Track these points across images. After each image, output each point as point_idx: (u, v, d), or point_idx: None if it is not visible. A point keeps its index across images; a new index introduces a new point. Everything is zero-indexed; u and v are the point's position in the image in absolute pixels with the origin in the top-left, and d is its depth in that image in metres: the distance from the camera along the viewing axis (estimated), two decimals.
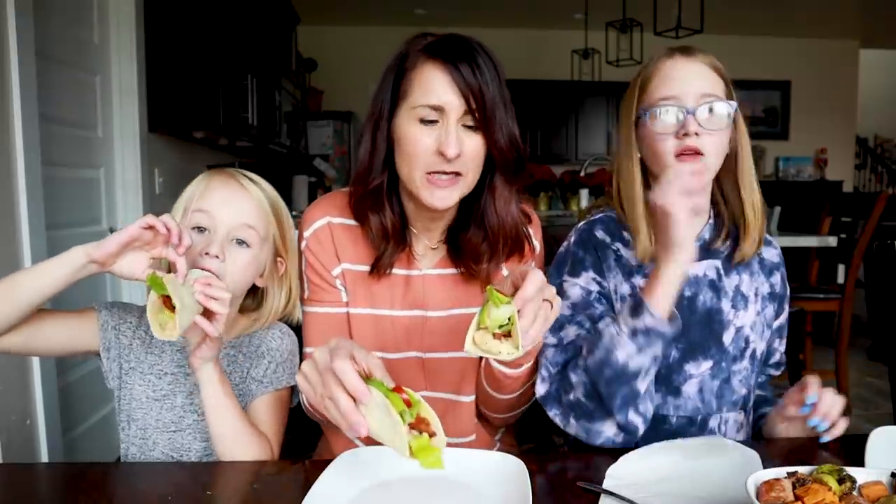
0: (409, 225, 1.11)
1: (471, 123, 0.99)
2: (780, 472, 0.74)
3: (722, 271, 1.11)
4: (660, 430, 1.08)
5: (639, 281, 1.09)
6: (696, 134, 1.01)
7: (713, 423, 1.10)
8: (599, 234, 1.12)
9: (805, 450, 0.99)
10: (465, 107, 0.97)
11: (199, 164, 3.47)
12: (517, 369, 1.02)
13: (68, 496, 0.86)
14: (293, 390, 1.13)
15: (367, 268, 1.11)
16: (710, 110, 1.03)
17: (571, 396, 1.01)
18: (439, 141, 0.97)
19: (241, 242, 1.04)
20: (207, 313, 0.93)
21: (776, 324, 1.18)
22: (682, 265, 0.94)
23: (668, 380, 1.08)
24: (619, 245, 1.11)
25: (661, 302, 0.94)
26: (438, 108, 0.97)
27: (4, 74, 1.90)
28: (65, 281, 0.90)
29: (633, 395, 0.98)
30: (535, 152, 7.16)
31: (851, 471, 0.74)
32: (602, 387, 0.97)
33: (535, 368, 1.05)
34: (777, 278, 1.17)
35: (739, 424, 1.13)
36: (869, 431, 0.91)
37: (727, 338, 1.10)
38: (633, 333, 0.95)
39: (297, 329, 1.17)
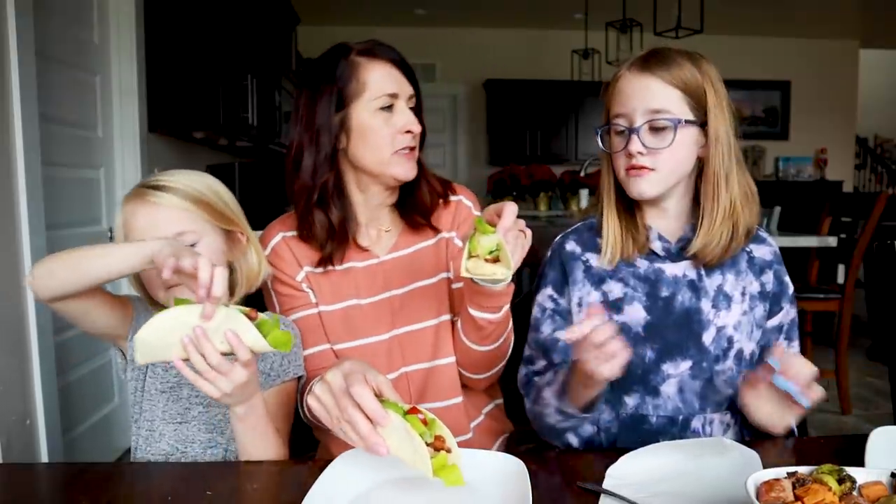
0: (354, 220, 1.20)
1: (412, 104, 1.18)
2: (780, 472, 0.74)
3: (703, 271, 1.10)
4: (640, 429, 1.09)
5: (611, 286, 1.12)
6: (641, 153, 1.03)
7: (696, 423, 1.09)
8: (570, 245, 1.17)
9: (805, 450, 1.00)
10: (412, 91, 1.17)
11: (199, 164, 3.47)
12: (497, 313, 1.09)
13: (68, 496, 0.86)
14: (299, 381, 1.14)
15: (327, 268, 1.18)
16: (654, 129, 1.03)
17: (528, 412, 1.16)
18: (403, 122, 1.14)
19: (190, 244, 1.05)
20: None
21: (771, 323, 1.14)
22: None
23: (645, 380, 1.08)
24: (589, 255, 1.15)
25: (584, 396, 1.01)
26: (394, 96, 1.14)
27: (4, 74, 1.90)
28: (130, 268, 0.93)
29: (564, 435, 1.12)
30: (535, 152, 7.17)
31: (851, 471, 0.74)
32: (537, 428, 1.14)
33: (510, 315, 1.13)
34: (769, 276, 1.13)
35: (726, 425, 1.11)
36: (869, 431, 0.91)
37: (707, 338, 1.09)
38: (559, 411, 1.06)
39: None
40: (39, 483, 0.95)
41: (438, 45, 7.19)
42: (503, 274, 0.95)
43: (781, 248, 1.22)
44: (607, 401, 1.08)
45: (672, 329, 1.08)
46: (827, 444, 1.02)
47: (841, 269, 3.80)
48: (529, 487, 0.79)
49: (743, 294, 1.11)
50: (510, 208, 0.97)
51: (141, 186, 1.08)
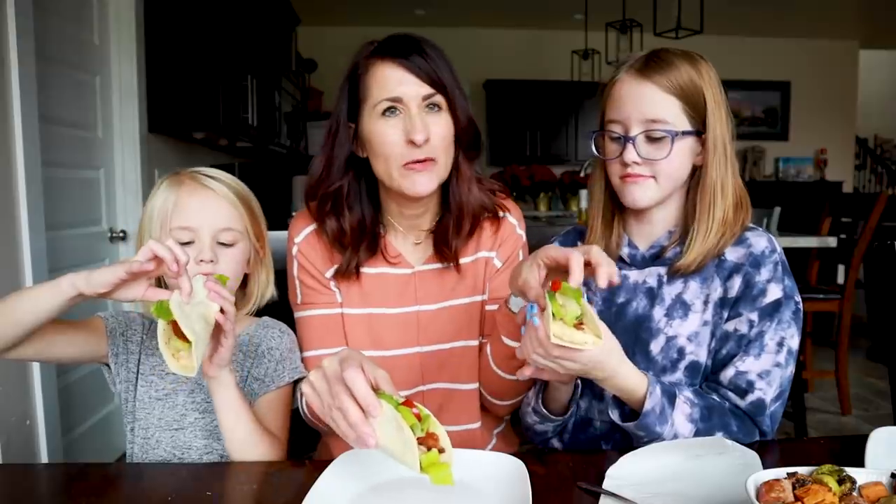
0: (390, 225, 1.13)
1: (434, 106, 1.04)
2: (780, 472, 0.73)
3: (665, 279, 1.06)
4: (587, 432, 1.10)
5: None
6: (637, 163, 1.01)
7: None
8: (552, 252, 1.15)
9: (805, 450, 0.99)
10: (425, 90, 1.03)
11: (199, 164, 3.45)
12: None
13: (68, 496, 0.86)
14: (295, 386, 1.14)
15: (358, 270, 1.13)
16: (650, 139, 1.01)
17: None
18: (406, 130, 1.02)
19: (225, 244, 1.06)
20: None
21: (725, 327, 1.02)
22: (569, 384, 1.02)
23: (591, 384, 1.03)
24: None
25: (559, 396, 1.05)
26: (397, 100, 1.02)
27: (4, 74, 1.90)
28: (58, 308, 0.89)
29: (541, 437, 1.12)
30: (535, 153, 7.17)
31: (851, 471, 0.74)
32: (524, 429, 1.14)
33: None
34: (736, 281, 1.01)
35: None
36: (869, 432, 0.91)
37: (655, 347, 1.04)
38: (535, 411, 1.08)
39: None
40: (39, 483, 0.95)
41: (438, 45, 7.19)
42: (594, 343, 0.84)
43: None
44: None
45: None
46: (827, 444, 1.01)
47: (841, 269, 3.80)
48: (529, 487, 0.79)
49: (706, 303, 1.03)
50: (577, 259, 0.85)
51: (190, 172, 1.07)
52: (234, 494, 0.86)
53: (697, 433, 0.96)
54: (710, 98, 1.02)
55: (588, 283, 1.02)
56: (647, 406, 0.93)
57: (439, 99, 1.04)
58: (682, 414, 0.96)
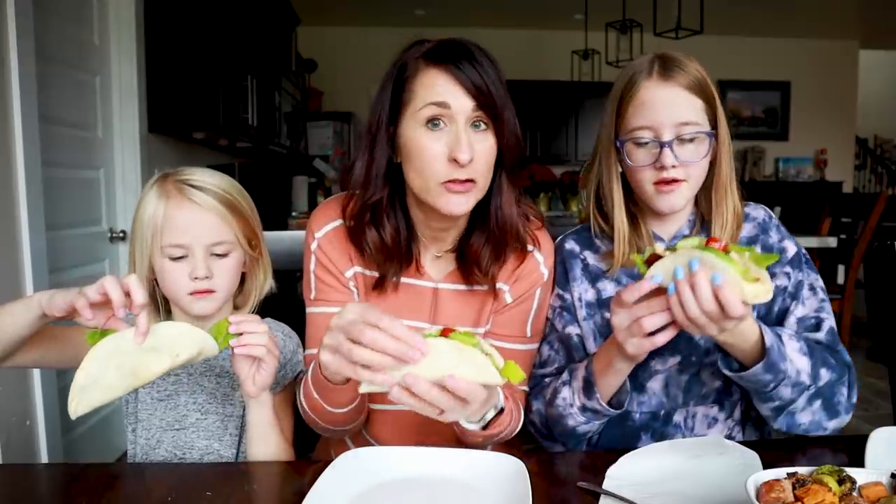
0: (418, 235, 1.09)
1: (480, 124, 0.97)
2: (780, 472, 0.74)
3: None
4: (623, 426, 1.10)
5: (605, 284, 1.12)
6: (674, 166, 1.01)
7: (678, 417, 1.09)
8: (569, 244, 1.17)
9: (805, 450, 0.99)
10: (474, 106, 0.95)
11: (199, 164, 3.45)
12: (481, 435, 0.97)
13: (68, 496, 0.86)
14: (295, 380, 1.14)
15: (376, 274, 1.09)
16: (682, 141, 1.01)
17: (530, 416, 1.12)
18: (450, 146, 0.94)
19: (218, 255, 1.04)
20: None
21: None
22: (633, 364, 0.98)
23: (633, 377, 1.05)
24: (587, 254, 1.15)
25: (611, 386, 1.00)
26: (444, 105, 0.94)
27: (4, 74, 1.90)
28: (30, 324, 0.90)
29: (581, 441, 1.08)
30: (535, 153, 7.16)
31: (851, 471, 0.74)
32: (555, 433, 1.08)
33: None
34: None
35: (711, 419, 1.10)
36: (869, 432, 0.91)
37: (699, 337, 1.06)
38: (583, 409, 1.02)
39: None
40: (39, 483, 0.95)
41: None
42: (767, 293, 0.82)
43: None
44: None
45: None
46: (827, 444, 1.01)
47: (841, 269, 3.80)
48: (529, 487, 0.79)
49: None
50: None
51: (176, 180, 1.04)
52: (234, 494, 0.86)
53: (813, 367, 0.98)
54: (715, 94, 1.05)
55: (619, 279, 1.10)
56: (768, 342, 0.93)
57: (487, 116, 0.97)
58: (793, 349, 0.98)
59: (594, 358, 1.02)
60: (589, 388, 1.00)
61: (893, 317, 1.38)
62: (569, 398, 1.03)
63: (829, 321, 1.08)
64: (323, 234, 1.10)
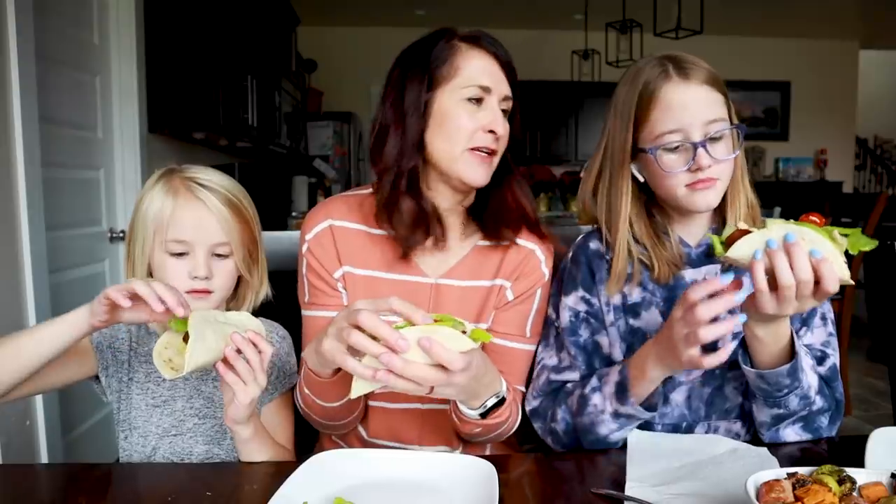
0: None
1: (505, 107, 1.08)
2: (780, 472, 0.74)
3: (720, 274, 1.04)
4: None
5: (631, 289, 1.09)
6: (709, 166, 0.99)
7: (700, 430, 1.08)
8: (594, 244, 1.13)
9: (805, 450, 1.00)
10: (508, 94, 1.07)
11: (199, 164, 3.46)
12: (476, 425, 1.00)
13: (68, 496, 0.86)
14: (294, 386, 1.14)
15: (370, 272, 1.10)
16: (717, 139, 1.00)
17: (553, 425, 1.08)
18: (487, 119, 1.04)
19: (219, 255, 1.05)
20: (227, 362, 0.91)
21: None
22: (669, 374, 0.97)
23: None
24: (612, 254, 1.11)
25: (645, 392, 0.97)
26: (487, 90, 1.05)
27: (4, 74, 1.90)
28: (72, 343, 0.91)
29: (609, 447, 1.04)
30: (535, 153, 7.17)
31: (851, 471, 0.74)
32: (583, 442, 1.04)
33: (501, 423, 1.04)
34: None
35: (733, 435, 1.08)
36: (869, 432, 0.91)
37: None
38: (616, 415, 0.99)
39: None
40: (39, 483, 0.95)
41: None
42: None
43: None
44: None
45: None
46: (827, 444, 1.02)
47: None
48: (497, 491, 0.79)
49: None
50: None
51: (184, 178, 1.04)
52: (234, 494, 0.86)
53: (819, 389, 0.99)
54: (726, 90, 1.04)
55: (644, 284, 1.07)
56: (797, 346, 0.93)
57: (512, 102, 1.09)
58: (808, 364, 0.98)
59: (629, 363, 0.99)
60: (623, 391, 0.98)
61: (893, 317, 1.38)
62: (600, 404, 1.00)
63: (834, 358, 1.07)
64: (312, 237, 1.11)
